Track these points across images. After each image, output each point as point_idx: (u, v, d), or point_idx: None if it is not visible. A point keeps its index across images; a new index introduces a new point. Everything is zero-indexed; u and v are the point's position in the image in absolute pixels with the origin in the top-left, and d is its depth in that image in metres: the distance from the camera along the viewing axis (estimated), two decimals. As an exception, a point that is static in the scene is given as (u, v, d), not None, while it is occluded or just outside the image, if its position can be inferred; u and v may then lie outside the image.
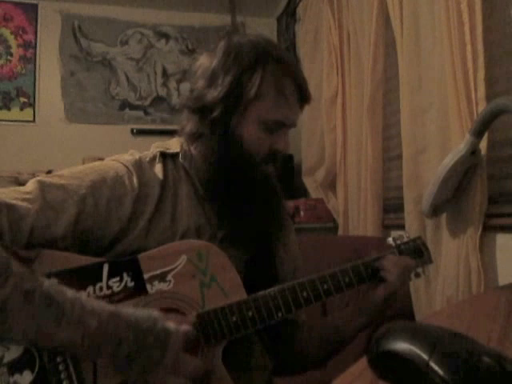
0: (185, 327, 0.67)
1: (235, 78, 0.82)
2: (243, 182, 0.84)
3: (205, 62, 0.87)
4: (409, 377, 0.46)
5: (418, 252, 0.96)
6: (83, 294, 0.66)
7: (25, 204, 0.70)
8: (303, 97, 0.87)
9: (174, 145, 0.89)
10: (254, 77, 0.82)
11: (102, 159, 0.86)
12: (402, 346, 0.47)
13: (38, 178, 0.76)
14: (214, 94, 0.83)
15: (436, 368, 0.43)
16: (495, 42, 1.36)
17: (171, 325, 0.66)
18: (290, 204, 2.38)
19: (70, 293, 0.63)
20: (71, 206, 0.74)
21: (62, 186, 0.75)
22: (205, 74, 0.85)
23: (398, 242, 0.95)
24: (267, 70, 0.83)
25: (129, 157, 0.84)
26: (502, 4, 1.36)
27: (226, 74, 0.83)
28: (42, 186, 0.74)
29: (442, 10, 1.40)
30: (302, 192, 2.70)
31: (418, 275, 0.96)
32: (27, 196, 0.72)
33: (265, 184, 0.87)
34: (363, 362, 0.53)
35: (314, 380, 1.22)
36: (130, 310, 0.66)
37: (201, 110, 0.85)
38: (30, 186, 0.74)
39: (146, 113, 3.18)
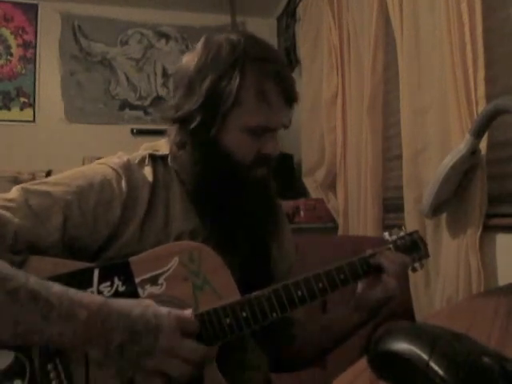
0: (177, 311, 0.66)
1: (212, 85, 0.78)
2: (232, 188, 0.82)
3: (184, 65, 0.84)
4: (409, 377, 0.46)
5: (415, 246, 0.94)
6: (71, 288, 0.64)
7: (5, 211, 0.69)
8: (289, 97, 0.82)
9: (163, 146, 0.88)
10: (231, 82, 0.77)
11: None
12: (401, 346, 0.47)
13: (22, 185, 0.74)
14: (190, 103, 0.79)
15: (436, 368, 0.43)
16: (495, 42, 1.36)
17: (163, 309, 0.65)
18: (290, 204, 2.37)
19: (56, 287, 0.62)
20: (57, 213, 0.72)
21: (47, 192, 0.73)
22: (183, 81, 0.82)
23: (394, 236, 0.94)
24: (246, 73, 0.77)
25: (117, 159, 0.82)
26: (501, 4, 1.36)
27: (203, 80, 0.79)
28: (26, 193, 0.72)
29: (442, 10, 1.40)
30: (302, 192, 2.69)
31: (414, 269, 0.95)
32: (10, 204, 0.70)
33: (256, 187, 0.84)
34: (363, 362, 0.54)
35: (314, 380, 1.22)
36: (120, 299, 0.66)
37: (180, 120, 0.83)
38: (14, 193, 0.72)
39: (146, 113, 3.18)
